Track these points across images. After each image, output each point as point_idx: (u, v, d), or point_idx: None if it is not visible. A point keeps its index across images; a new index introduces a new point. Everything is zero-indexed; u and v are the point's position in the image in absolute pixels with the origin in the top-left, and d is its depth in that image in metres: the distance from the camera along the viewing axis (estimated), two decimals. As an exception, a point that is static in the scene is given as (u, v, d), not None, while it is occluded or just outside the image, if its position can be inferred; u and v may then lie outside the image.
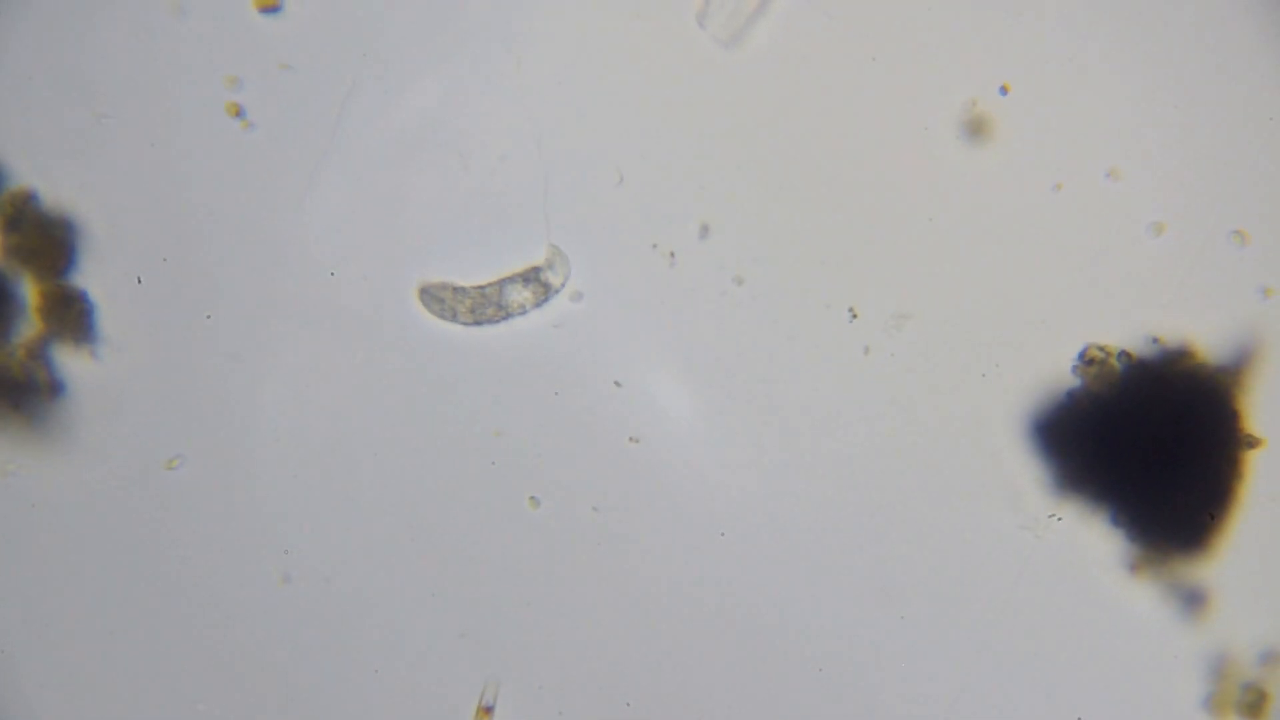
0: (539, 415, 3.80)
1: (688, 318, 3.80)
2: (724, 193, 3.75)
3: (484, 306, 3.58)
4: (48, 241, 3.71)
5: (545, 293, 3.64)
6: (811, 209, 3.76)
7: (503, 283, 3.63)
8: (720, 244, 3.76)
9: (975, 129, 3.68)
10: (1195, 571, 3.70)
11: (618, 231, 3.77)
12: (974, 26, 3.67)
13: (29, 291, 3.71)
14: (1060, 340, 3.70)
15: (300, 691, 3.85)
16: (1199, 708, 3.71)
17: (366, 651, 3.84)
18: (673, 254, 3.76)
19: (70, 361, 3.74)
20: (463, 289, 3.67)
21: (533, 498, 3.82)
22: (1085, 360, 3.69)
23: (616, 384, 3.80)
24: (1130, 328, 3.69)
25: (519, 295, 3.64)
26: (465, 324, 3.67)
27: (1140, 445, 3.69)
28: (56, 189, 3.71)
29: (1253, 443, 3.64)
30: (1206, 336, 3.67)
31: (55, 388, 3.73)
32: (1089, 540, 3.73)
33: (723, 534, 3.81)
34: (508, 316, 3.69)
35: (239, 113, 3.71)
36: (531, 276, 3.64)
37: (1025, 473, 3.74)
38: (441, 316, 3.72)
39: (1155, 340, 3.68)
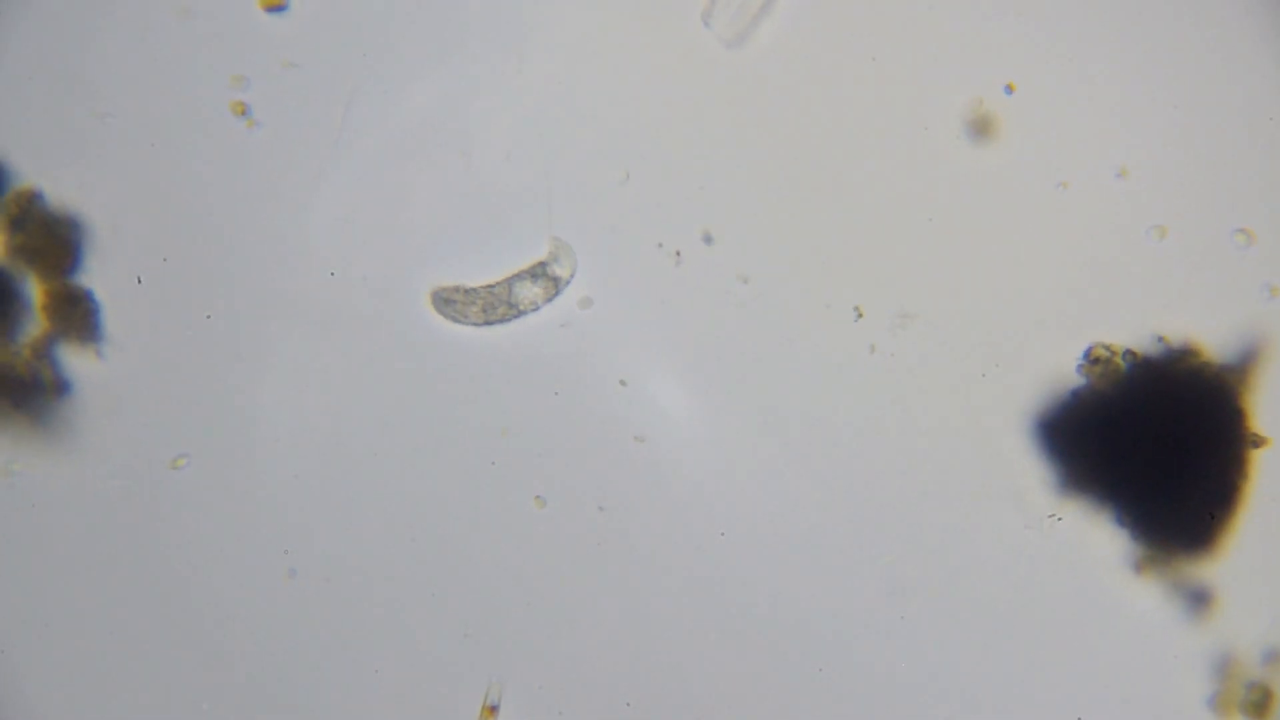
0: (545, 414, 3.80)
1: (693, 316, 3.80)
2: (729, 192, 3.75)
3: (495, 306, 3.58)
4: (53, 241, 3.71)
5: (555, 287, 3.64)
6: (817, 208, 3.76)
7: (511, 281, 3.63)
8: (726, 243, 3.76)
9: (980, 128, 3.68)
10: (1200, 571, 3.69)
11: (623, 230, 3.77)
12: (979, 26, 3.67)
13: (34, 291, 3.71)
14: (1065, 339, 3.70)
15: (304, 691, 3.84)
16: (1204, 707, 3.71)
17: (371, 651, 3.84)
18: (678, 253, 3.76)
19: (75, 360, 3.74)
20: (473, 290, 3.67)
21: (538, 496, 3.82)
22: (1090, 359, 3.69)
23: (622, 383, 3.80)
24: (1135, 326, 3.69)
25: (529, 292, 3.65)
26: (478, 324, 3.67)
27: (1145, 444, 3.69)
28: (62, 188, 3.72)
29: (1258, 442, 3.64)
30: (1212, 335, 3.66)
31: (61, 387, 3.73)
32: (1094, 540, 3.72)
33: (723, 534, 3.81)
34: (519, 314, 3.69)
35: (244, 112, 3.72)
36: (539, 272, 3.64)
37: (1030, 472, 3.73)
38: (454, 319, 3.72)
39: (1160, 339, 3.68)
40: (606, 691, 3.83)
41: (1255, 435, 3.64)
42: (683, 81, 3.72)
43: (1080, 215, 3.69)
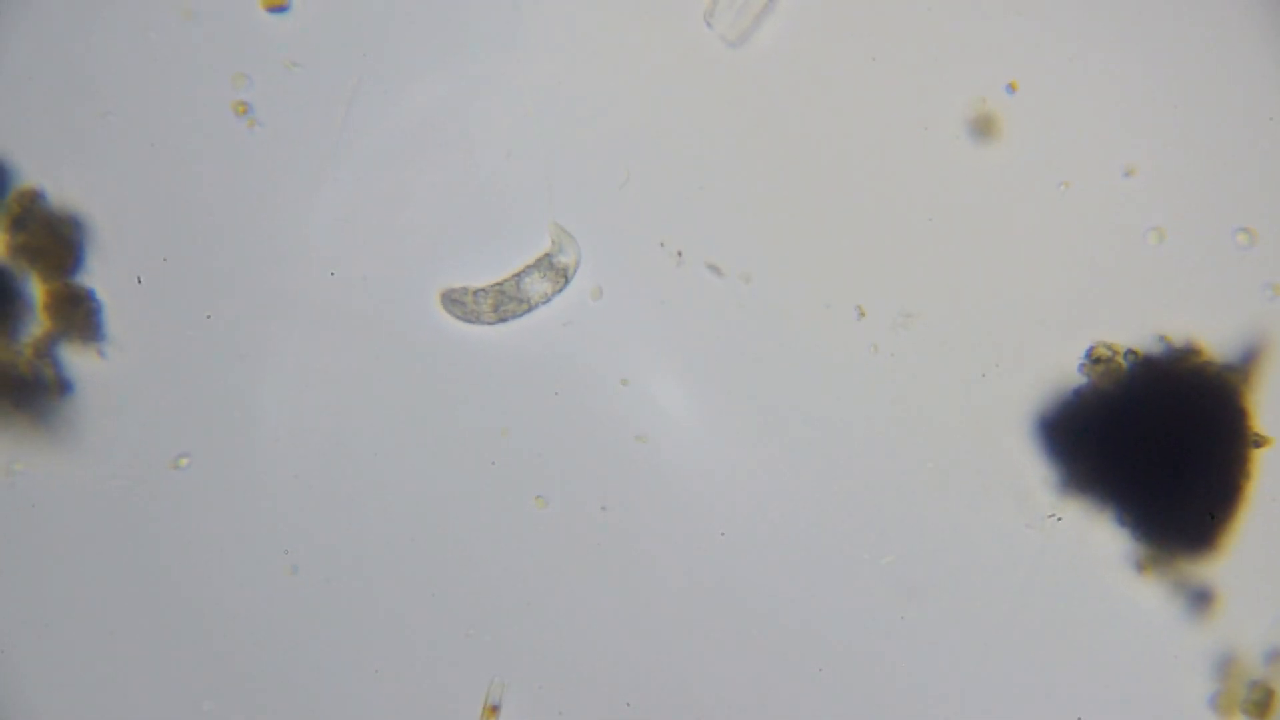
0: (546, 414, 3.80)
1: (694, 315, 3.80)
2: (731, 191, 3.75)
3: (506, 303, 3.58)
4: (55, 240, 3.71)
5: (563, 277, 3.64)
6: (819, 207, 3.76)
7: (518, 276, 3.63)
8: (728, 242, 3.76)
9: (982, 127, 3.68)
10: (1201, 570, 3.70)
11: (625, 230, 3.77)
12: (980, 26, 3.68)
13: (36, 290, 3.71)
14: (1067, 338, 3.70)
15: (305, 691, 3.84)
16: (1205, 706, 3.71)
17: (372, 651, 3.84)
18: (680, 253, 3.76)
19: (77, 360, 3.73)
20: (482, 290, 3.67)
21: (539, 496, 3.82)
22: (1092, 358, 3.69)
23: (623, 382, 3.80)
24: (1137, 326, 3.69)
25: (538, 286, 3.64)
26: (491, 323, 3.67)
27: (1147, 444, 3.69)
28: (64, 188, 3.71)
29: (1260, 441, 3.64)
30: (1214, 335, 3.67)
31: (63, 386, 3.73)
32: (1095, 539, 3.73)
33: (723, 534, 3.81)
34: (531, 308, 3.69)
35: (246, 111, 3.72)
36: (544, 264, 3.63)
37: (1032, 471, 3.73)
38: (466, 320, 3.72)
39: (1162, 338, 3.68)
40: (606, 691, 3.83)
41: (1257, 435, 3.64)
42: (685, 81, 3.72)
43: (1082, 215, 3.70)
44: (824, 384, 3.81)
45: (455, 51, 3.75)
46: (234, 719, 3.82)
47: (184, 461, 3.80)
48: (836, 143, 3.74)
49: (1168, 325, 3.68)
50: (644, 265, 3.77)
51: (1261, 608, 3.69)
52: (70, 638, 3.80)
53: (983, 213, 3.73)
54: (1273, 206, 3.66)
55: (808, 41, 3.70)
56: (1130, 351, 3.68)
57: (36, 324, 3.71)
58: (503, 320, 3.69)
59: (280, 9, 3.69)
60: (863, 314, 3.75)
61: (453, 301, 3.71)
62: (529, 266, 3.67)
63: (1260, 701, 3.70)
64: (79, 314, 3.72)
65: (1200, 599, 3.70)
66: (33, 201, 3.70)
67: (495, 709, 3.81)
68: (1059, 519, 3.73)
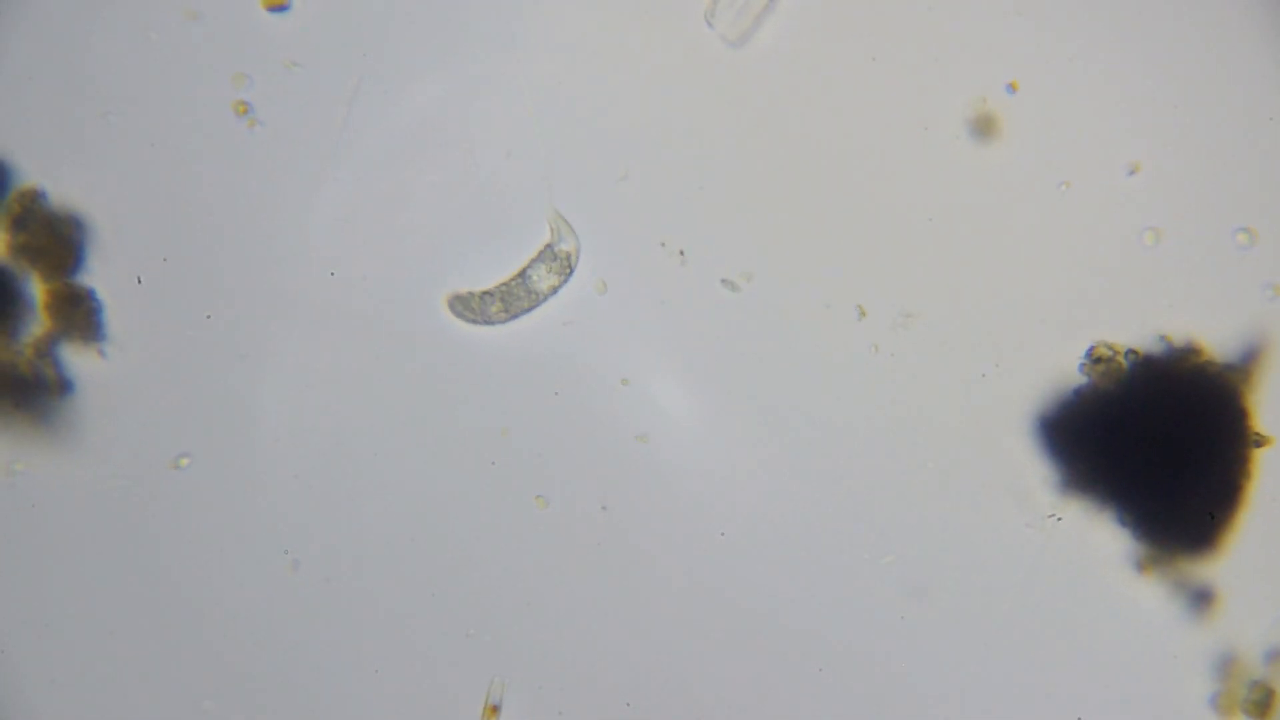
0: (546, 414, 3.80)
1: (695, 315, 3.80)
2: (732, 191, 3.75)
3: (514, 300, 3.58)
4: (55, 240, 3.71)
5: (567, 266, 3.63)
6: (820, 207, 3.76)
7: (524, 272, 3.63)
8: (728, 243, 3.77)
9: (983, 127, 3.68)
10: (1202, 570, 3.70)
11: (625, 230, 3.78)
12: (982, 25, 3.68)
13: (37, 290, 3.71)
14: (1067, 338, 3.70)
15: (306, 691, 3.84)
16: (1206, 706, 3.72)
17: (373, 650, 3.83)
18: (682, 252, 3.76)
19: (78, 360, 3.73)
20: (489, 292, 3.68)
21: (540, 496, 3.82)
22: (1093, 358, 3.69)
23: (624, 382, 3.80)
24: (1138, 325, 3.69)
25: (545, 278, 3.64)
26: (503, 322, 3.67)
27: (1148, 444, 3.69)
28: (64, 188, 3.71)
29: (1261, 441, 3.64)
30: (1214, 334, 3.67)
31: (63, 386, 3.73)
32: (1096, 539, 3.73)
33: (723, 534, 3.81)
34: (540, 302, 3.69)
35: (246, 111, 3.71)
36: (548, 255, 3.63)
37: (1032, 471, 3.73)
38: (476, 322, 3.72)
39: (1163, 338, 3.68)
40: (606, 691, 3.83)
41: (1257, 434, 3.64)
42: (685, 81, 3.72)
43: (1082, 215, 3.70)
44: (824, 384, 3.81)
45: (455, 51, 3.75)
46: (234, 719, 3.82)
47: (184, 461, 3.80)
48: (837, 143, 3.74)
49: (1168, 325, 3.68)
50: (645, 265, 3.78)
51: (1262, 607, 3.69)
52: (70, 638, 3.80)
53: (983, 213, 3.73)
54: (1273, 206, 3.66)
55: (808, 41, 3.70)
56: (1131, 351, 3.68)
57: (37, 324, 3.71)
58: (514, 318, 3.69)
59: (281, 9, 3.69)
60: (863, 314, 3.75)
61: (461, 305, 3.71)
62: (533, 260, 3.67)
63: (1261, 701, 3.70)
64: (79, 314, 3.72)
65: (1200, 599, 3.70)
66: (33, 201, 3.70)
67: (496, 708, 3.81)
68: (1059, 519, 3.73)
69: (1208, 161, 3.67)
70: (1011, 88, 3.67)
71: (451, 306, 3.76)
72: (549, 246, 3.65)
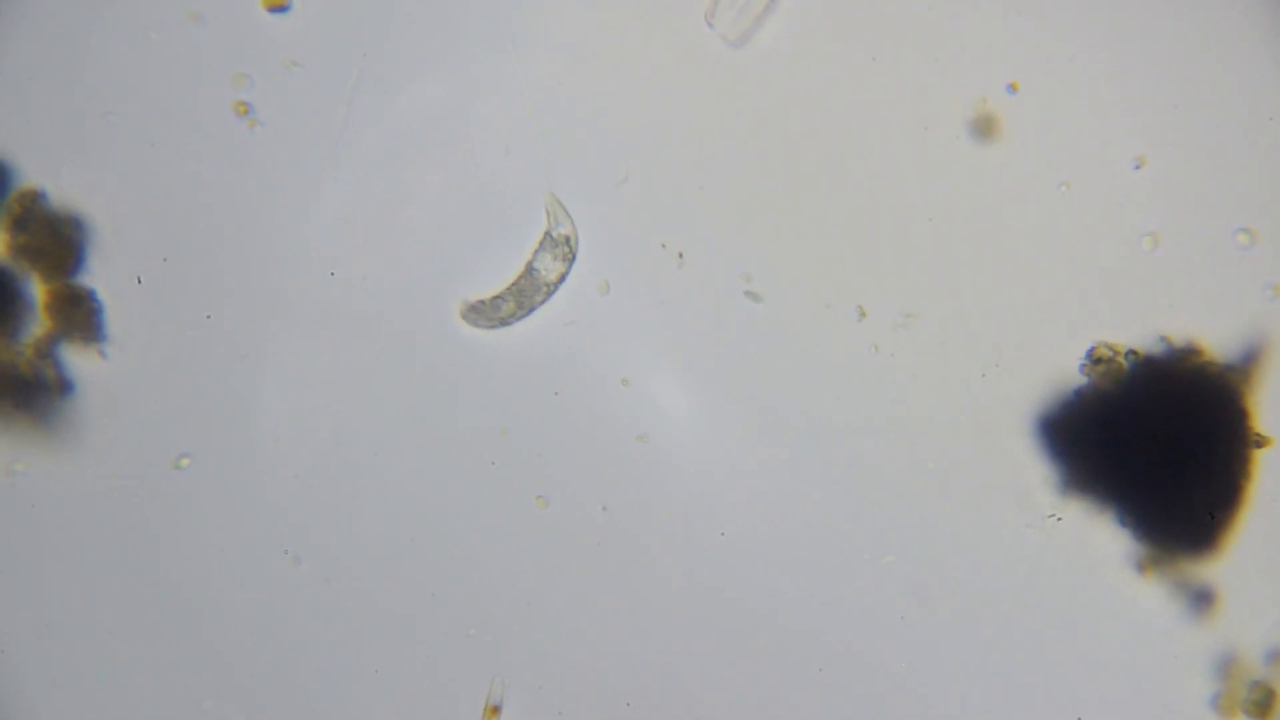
0: (547, 414, 3.81)
1: (695, 316, 3.80)
2: (732, 191, 3.75)
3: (526, 295, 3.58)
4: (56, 241, 3.71)
5: (569, 249, 3.63)
6: (820, 207, 3.76)
7: (529, 265, 3.63)
8: (729, 243, 3.77)
9: (983, 127, 3.68)
10: (1202, 570, 3.70)
11: (625, 230, 3.78)
12: (982, 26, 3.68)
13: (37, 290, 3.71)
14: (1068, 338, 3.70)
15: (306, 691, 3.84)
16: (1206, 707, 3.72)
17: (373, 651, 3.84)
18: (681, 254, 3.77)
19: (78, 360, 3.74)
20: (500, 296, 3.68)
21: (540, 496, 3.82)
22: (1093, 359, 3.69)
23: (624, 382, 3.80)
24: (1138, 326, 3.69)
25: (551, 266, 3.64)
26: (521, 319, 3.67)
27: (1148, 444, 3.69)
28: (65, 188, 3.71)
29: (1261, 441, 3.64)
30: (1215, 335, 3.67)
31: (63, 386, 3.73)
32: (1096, 539, 3.73)
33: (723, 534, 3.81)
34: (552, 292, 3.69)
35: (247, 111, 3.72)
36: (548, 243, 3.63)
37: (1032, 471, 3.73)
38: (494, 327, 3.72)
39: (1163, 339, 3.68)
40: (606, 691, 3.83)
41: (1258, 435, 3.64)
42: (686, 81, 3.72)
43: (1083, 215, 3.70)
44: (824, 384, 3.81)
45: (455, 51, 3.75)
46: (234, 719, 3.82)
47: (185, 462, 3.80)
48: (837, 143, 3.74)
49: (1168, 325, 3.68)
50: (645, 266, 3.78)
51: (1262, 608, 3.69)
52: (70, 638, 3.80)
53: (983, 213, 3.73)
54: (1273, 207, 3.66)
55: (809, 42, 3.70)
56: (1131, 351, 3.68)
57: (37, 324, 3.71)
58: (529, 313, 3.69)
59: (281, 9, 3.69)
60: (863, 314, 3.75)
61: (476, 314, 3.71)
62: (536, 251, 3.67)
63: (1261, 702, 3.70)
64: (80, 314, 3.72)
65: (1201, 599, 3.70)
66: (34, 202, 3.70)
67: (497, 709, 3.81)
68: (1059, 519, 3.73)
69: (1208, 162, 3.66)
70: (1012, 88, 3.67)
71: (466, 318, 3.76)
72: (548, 234, 3.65)
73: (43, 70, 3.70)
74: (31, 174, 3.70)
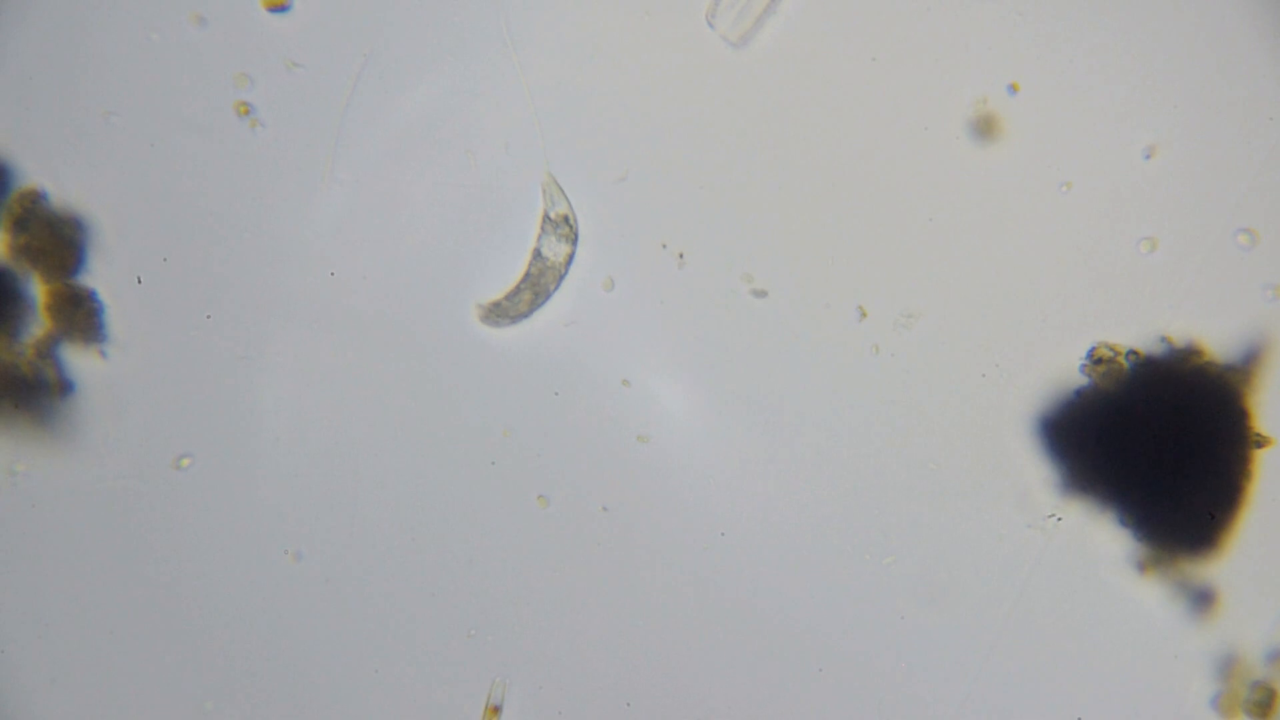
0: (547, 414, 3.80)
1: (695, 316, 3.80)
2: (733, 192, 3.75)
3: (541, 282, 3.58)
4: (56, 241, 3.71)
5: (569, 227, 3.63)
6: (821, 208, 3.76)
7: (536, 251, 3.63)
8: (729, 243, 3.76)
9: (984, 128, 3.68)
10: (1203, 570, 3.70)
11: (625, 231, 3.78)
12: (983, 26, 3.68)
13: (38, 291, 3.71)
14: (1068, 338, 3.70)
15: (307, 691, 3.84)
16: (1207, 707, 3.72)
17: (373, 651, 3.83)
18: (681, 255, 3.77)
19: (79, 361, 3.73)
20: (514, 292, 3.68)
21: (541, 496, 3.82)
22: (1094, 359, 3.69)
23: (624, 382, 3.80)
24: (1139, 326, 3.69)
25: (557, 248, 3.64)
26: (539, 307, 3.67)
27: (1149, 444, 3.69)
28: (65, 188, 3.71)
29: (1262, 442, 3.64)
30: (1215, 335, 3.67)
31: (64, 387, 3.73)
32: (1097, 539, 3.73)
33: (723, 534, 3.81)
34: (564, 274, 3.69)
35: (248, 112, 3.71)
36: (548, 225, 3.63)
37: (1033, 472, 3.74)
38: (515, 322, 3.73)
39: (1164, 339, 3.68)
40: (606, 691, 3.83)
41: (1259, 435, 3.65)
42: (686, 82, 3.72)
43: (1083, 216, 3.70)
44: (825, 384, 3.81)
45: (455, 51, 3.75)
46: (234, 719, 3.82)
47: (185, 462, 3.80)
48: (838, 144, 3.74)
49: (1169, 326, 3.68)
50: (645, 266, 3.77)
51: (1263, 608, 3.69)
52: (70, 638, 3.80)
53: (984, 213, 3.73)
54: (1274, 207, 3.66)
55: (809, 42, 3.70)
56: (1132, 352, 3.68)
57: (38, 324, 3.71)
58: (546, 300, 3.69)
59: (281, 9, 3.69)
60: (864, 314, 3.75)
61: (496, 313, 3.71)
62: (539, 236, 3.67)
63: (1262, 702, 3.70)
64: (80, 314, 3.72)
65: (1202, 599, 3.70)
66: (34, 202, 3.70)
67: (497, 709, 3.81)
68: (1059, 519, 3.73)
69: (1209, 162, 3.67)
70: (1013, 88, 3.67)
71: (486, 320, 3.76)
72: (546, 216, 3.65)
73: (43, 70, 3.69)
74: (32, 174, 3.70)
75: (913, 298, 3.75)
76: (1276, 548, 3.67)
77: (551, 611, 3.84)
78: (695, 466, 3.81)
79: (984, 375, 3.74)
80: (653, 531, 3.82)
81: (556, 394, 3.80)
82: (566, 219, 3.69)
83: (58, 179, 3.71)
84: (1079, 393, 3.70)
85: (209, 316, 3.77)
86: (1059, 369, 3.71)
